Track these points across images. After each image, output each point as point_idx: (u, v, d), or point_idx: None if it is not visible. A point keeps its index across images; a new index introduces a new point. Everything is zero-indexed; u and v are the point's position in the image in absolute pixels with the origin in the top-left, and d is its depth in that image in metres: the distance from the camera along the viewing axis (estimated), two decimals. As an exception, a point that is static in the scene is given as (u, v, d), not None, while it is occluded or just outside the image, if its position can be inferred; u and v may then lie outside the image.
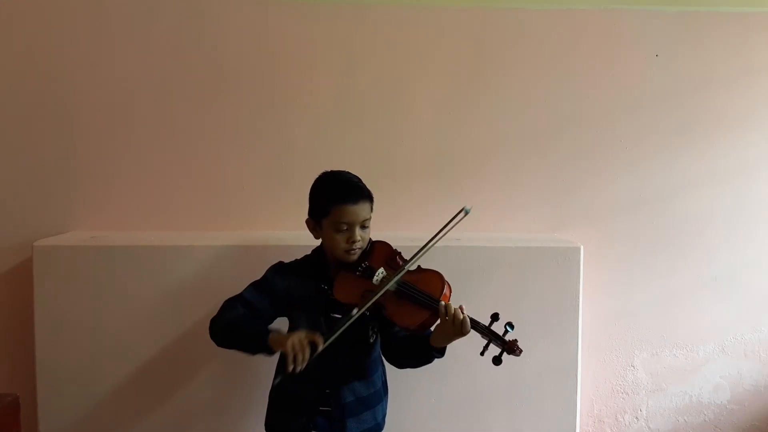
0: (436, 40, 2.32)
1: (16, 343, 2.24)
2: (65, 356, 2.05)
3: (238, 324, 1.59)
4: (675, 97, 2.37)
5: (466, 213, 1.54)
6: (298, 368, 1.42)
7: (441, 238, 1.55)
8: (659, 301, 2.41)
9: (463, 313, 1.48)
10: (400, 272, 1.55)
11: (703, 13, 2.34)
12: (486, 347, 1.49)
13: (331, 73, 2.31)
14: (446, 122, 2.34)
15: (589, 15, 2.33)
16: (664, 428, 2.46)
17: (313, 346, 1.44)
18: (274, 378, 1.66)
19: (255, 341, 1.53)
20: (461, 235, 2.25)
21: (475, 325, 1.49)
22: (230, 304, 1.65)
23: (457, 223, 1.54)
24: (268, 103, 2.30)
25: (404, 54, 2.31)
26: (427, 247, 1.55)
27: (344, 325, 1.48)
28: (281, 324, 1.69)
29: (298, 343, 1.43)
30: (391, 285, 1.54)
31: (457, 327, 1.47)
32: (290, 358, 1.41)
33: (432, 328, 1.55)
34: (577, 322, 2.12)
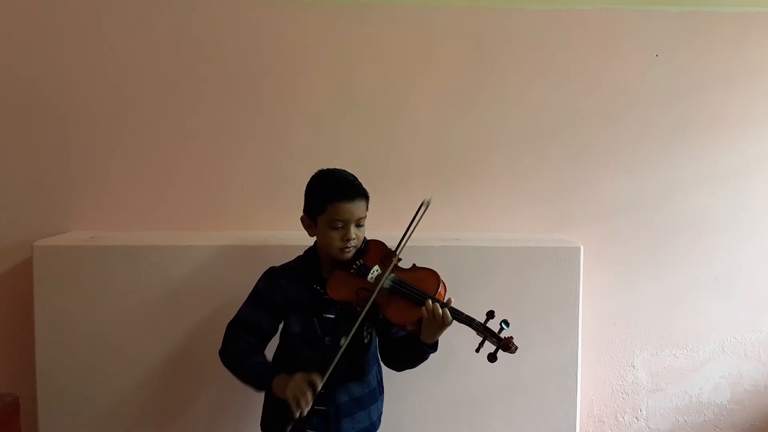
0: (435, 40, 2.32)
1: (16, 343, 2.24)
2: (65, 356, 2.05)
3: (242, 368, 1.65)
4: (675, 97, 2.37)
5: (427, 206, 1.59)
6: (305, 412, 1.48)
7: (414, 229, 1.59)
8: (659, 301, 2.41)
9: (443, 306, 1.50)
10: (390, 269, 1.56)
11: (703, 13, 2.34)
12: (481, 344, 1.50)
13: (330, 72, 2.31)
14: (445, 122, 2.34)
15: (589, 15, 2.33)
16: (664, 428, 2.46)
17: (313, 385, 1.48)
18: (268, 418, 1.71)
19: (258, 387, 1.64)
20: (461, 235, 2.26)
21: (471, 321, 1.50)
22: (232, 331, 1.69)
23: (422, 215, 1.59)
24: (267, 102, 2.30)
25: (403, 53, 2.31)
26: (406, 237, 1.59)
27: (337, 354, 1.50)
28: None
29: (299, 390, 1.48)
30: (384, 282, 1.55)
31: (438, 320, 1.49)
32: (294, 406, 1.48)
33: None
34: (577, 322, 2.12)
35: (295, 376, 1.52)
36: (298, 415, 1.47)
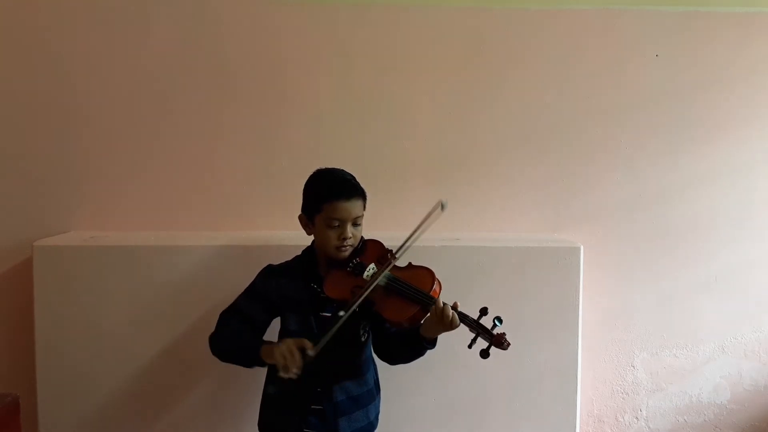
0: (435, 40, 2.31)
1: (16, 343, 2.24)
2: (65, 356, 2.05)
3: (233, 341, 1.63)
4: (675, 97, 2.37)
5: (443, 208, 1.55)
6: (291, 374, 1.44)
7: (424, 230, 1.56)
8: (659, 301, 2.41)
9: (453, 309, 1.50)
10: (388, 265, 1.56)
11: (703, 13, 2.34)
12: (474, 340, 1.51)
13: (331, 73, 2.31)
14: (445, 122, 2.34)
15: (589, 15, 2.33)
16: (664, 428, 2.46)
17: (304, 351, 1.46)
18: (266, 386, 1.69)
19: (248, 355, 1.59)
20: (461, 235, 2.26)
21: (464, 318, 1.51)
22: (225, 318, 1.69)
23: (436, 217, 1.55)
24: (267, 103, 2.30)
25: (404, 54, 2.31)
26: (413, 239, 1.56)
27: (334, 327, 1.49)
28: (274, 324, 1.71)
29: (287, 350, 1.46)
30: (380, 280, 1.55)
31: (446, 323, 1.49)
32: (280, 365, 1.45)
33: (422, 322, 1.56)
34: (577, 322, 2.11)
35: (285, 339, 1.50)
36: (286, 376, 1.44)
